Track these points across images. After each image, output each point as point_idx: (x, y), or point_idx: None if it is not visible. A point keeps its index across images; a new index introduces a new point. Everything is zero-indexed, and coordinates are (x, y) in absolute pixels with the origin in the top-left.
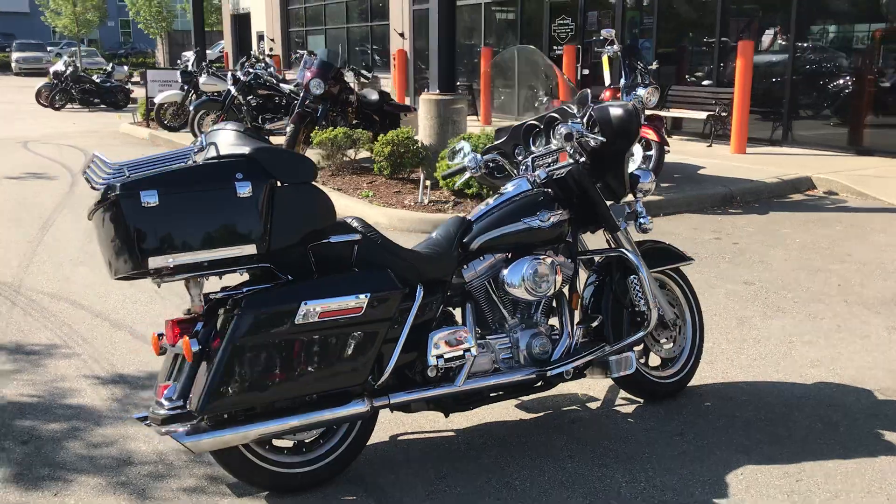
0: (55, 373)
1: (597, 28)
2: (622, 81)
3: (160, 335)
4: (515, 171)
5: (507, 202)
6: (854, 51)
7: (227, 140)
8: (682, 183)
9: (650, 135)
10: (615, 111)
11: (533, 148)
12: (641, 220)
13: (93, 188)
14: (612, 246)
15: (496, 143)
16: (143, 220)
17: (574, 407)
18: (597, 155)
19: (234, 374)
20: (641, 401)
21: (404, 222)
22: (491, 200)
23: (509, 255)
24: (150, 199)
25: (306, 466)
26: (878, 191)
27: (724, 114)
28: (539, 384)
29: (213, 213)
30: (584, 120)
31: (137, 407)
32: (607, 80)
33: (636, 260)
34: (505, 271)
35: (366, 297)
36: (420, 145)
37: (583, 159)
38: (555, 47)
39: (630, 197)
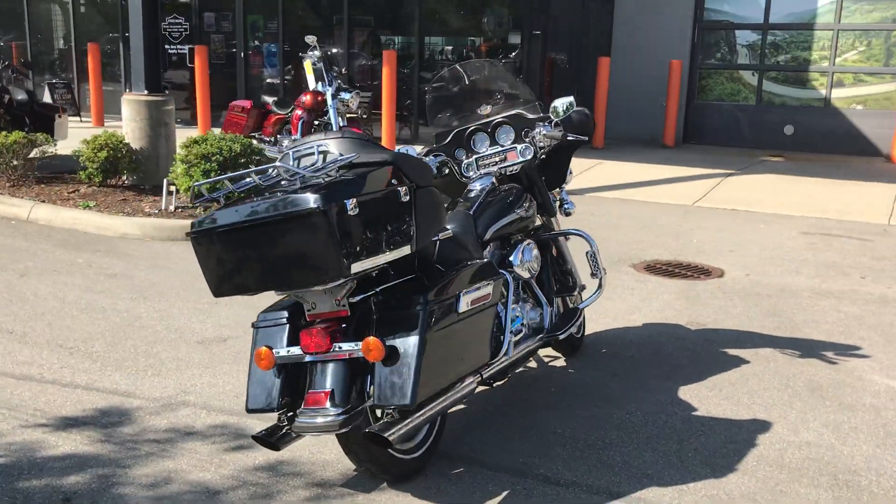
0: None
1: (215, 29)
2: (326, 86)
3: (287, 346)
4: (457, 171)
5: (495, 197)
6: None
7: (343, 146)
8: None
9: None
10: (579, 117)
11: (482, 149)
12: (566, 206)
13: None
14: (546, 227)
15: (437, 146)
16: (346, 229)
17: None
18: (552, 152)
19: (428, 364)
20: (561, 356)
21: (162, 230)
22: (473, 195)
23: (499, 243)
24: (351, 207)
25: (415, 453)
26: None
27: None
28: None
29: (387, 217)
30: (552, 124)
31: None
32: (311, 85)
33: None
34: (516, 254)
35: (491, 283)
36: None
37: (537, 157)
38: (167, 47)
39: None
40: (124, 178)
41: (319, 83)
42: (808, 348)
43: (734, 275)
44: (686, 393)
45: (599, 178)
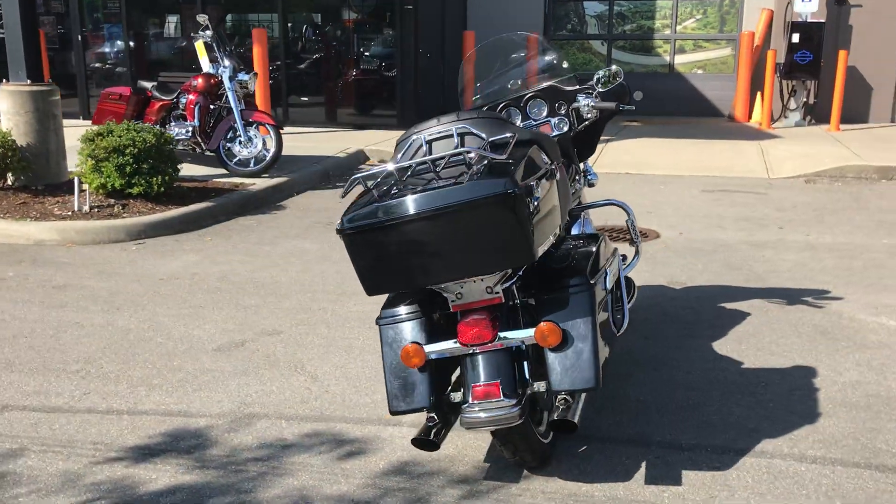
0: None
1: (44, 11)
2: (221, 68)
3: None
4: None
5: None
6: (335, 39)
7: (483, 126)
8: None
9: (267, 119)
10: (617, 87)
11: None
12: (590, 177)
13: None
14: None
15: None
16: (531, 210)
17: None
18: (590, 124)
19: (599, 343)
20: None
21: (86, 234)
22: None
23: None
24: (536, 190)
25: (546, 438)
26: None
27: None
28: None
29: (547, 197)
30: (594, 95)
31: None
32: (204, 67)
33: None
34: (578, 227)
35: (615, 258)
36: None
37: (573, 129)
38: None
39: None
40: (10, 179)
41: (213, 65)
42: (789, 296)
43: (669, 235)
44: (720, 348)
45: None
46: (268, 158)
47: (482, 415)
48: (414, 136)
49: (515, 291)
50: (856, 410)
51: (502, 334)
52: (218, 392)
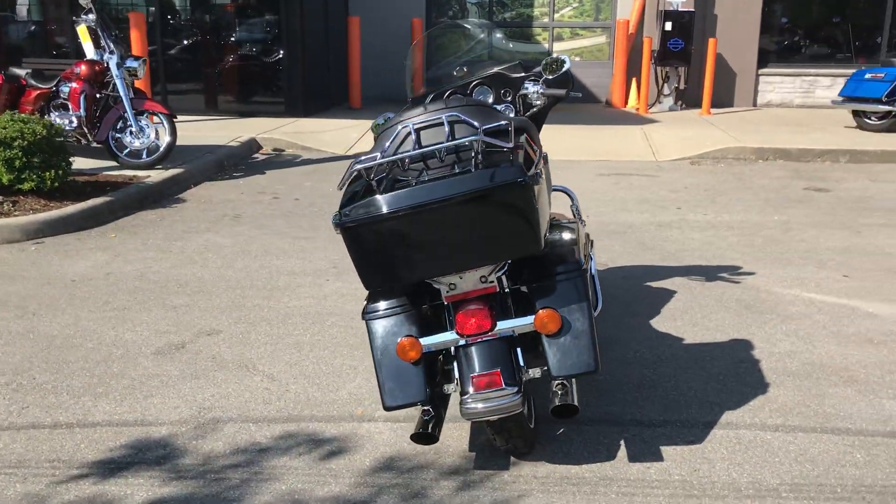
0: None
1: None
2: (107, 54)
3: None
4: None
5: None
6: (216, 24)
7: (473, 114)
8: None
9: (160, 108)
10: (564, 76)
11: None
12: None
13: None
14: None
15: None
16: (538, 198)
17: None
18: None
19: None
20: None
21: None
22: None
23: None
24: (539, 180)
25: (531, 423)
26: (317, 143)
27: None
28: None
29: (544, 185)
30: (542, 82)
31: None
32: (88, 53)
33: None
34: None
35: (590, 242)
36: None
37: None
38: None
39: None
40: None
41: (97, 51)
42: (706, 273)
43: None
44: (659, 326)
45: None
46: (162, 149)
47: (485, 405)
48: (399, 125)
49: (504, 280)
50: (798, 379)
51: (501, 323)
52: (171, 397)
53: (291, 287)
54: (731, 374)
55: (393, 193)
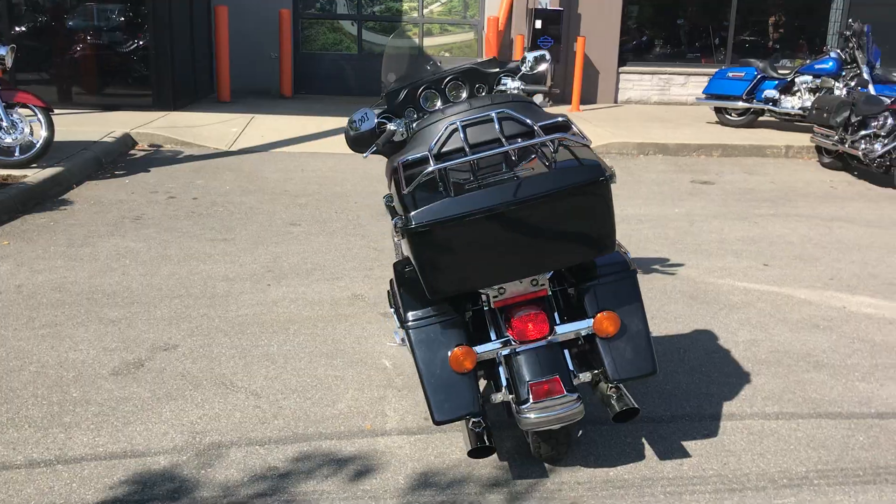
0: None
1: None
2: None
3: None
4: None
5: None
6: (72, 8)
7: (523, 110)
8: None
9: (35, 101)
10: (541, 70)
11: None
12: None
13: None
14: None
15: (385, 108)
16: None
17: None
18: None
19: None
20: None
21: None
22: None
23: None
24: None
25: None
26: (196, 139)
27: None
28: None
29: None
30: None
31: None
32: None
33: None
34: None
35: None
36: None
37: None
38: None
39: None
40: None
41: None
42: (641, 265)
43: None
44: None
45: (271, 133)
46: (38, 146)
47: (547, 414)
48: (441, 122)
49: (548, 283)
50: (771, 366)
51: (559, 328)
52: (153, 423)
53: (233, 294)
54: (710, 365)
55: (473, 194)
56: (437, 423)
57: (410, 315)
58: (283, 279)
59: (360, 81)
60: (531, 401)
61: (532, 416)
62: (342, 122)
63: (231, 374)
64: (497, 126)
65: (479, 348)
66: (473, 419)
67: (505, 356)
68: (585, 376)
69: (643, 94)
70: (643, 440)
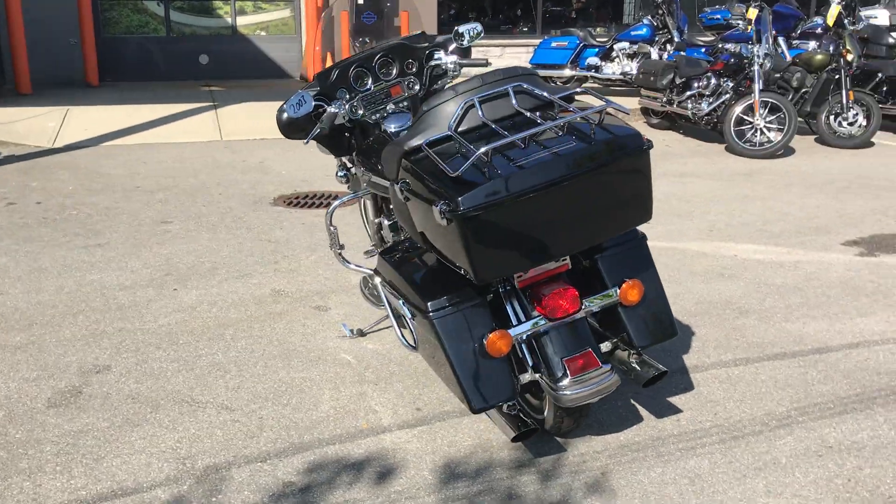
0: None
1: None
2: None
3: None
4: (346, 113)
5: None
6: None
7: (536, 83)
8: None
9: None
10: (468, 48)
11: (366, 87)
12: None
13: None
14: None
15: (319, 89)
16: None
17: None
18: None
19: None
20: None
21: None
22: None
23: None
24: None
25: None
26: (11, 136)
27: None
28: None
29: None
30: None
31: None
32: None
33: None
34: None
35: None
36: None
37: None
38: None
39: None
40: None
41: None
42: None
43: None
44: None
45: (95, 126)
46: None
47: (588, 388)
48: (454, 100)
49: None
50: (705, 317)
51: (586, 301)
52: (129, 454)
53: (140, 303)
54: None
55: (522, 172)
56: (475, 411)
57: (432, 304)
58: (187, 282)
59: (171, 66)
60: (569, 377)
61: (571, 392)
62: (172, 109)
63: (188, 390)
64: (514, 99)
65: (514, 330)
66: (508, 402)
67: (531, 335)
68: (606, 346)
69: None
70: (633, 402)
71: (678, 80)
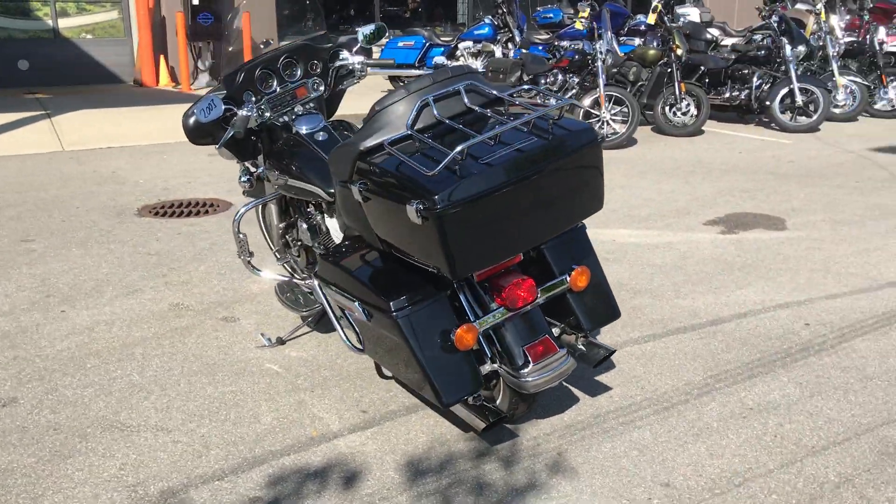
0: None
1: None
2: None
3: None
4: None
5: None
6: None
7: (481, 80)
8: None
9: None
10: (383, 43)
11: (271, 89)
12: None
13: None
14: None
15: (226, 91)
16: None
17: None
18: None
19: None
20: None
21: None
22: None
23: None
24: None
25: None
26: None
27: None
28: None
29: None
30: (358, 52)
31: None
32: None
33: None
34: None
35: None
36: None
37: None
38: None
39: None
40: None
41: None
42: None
43: (237, 199)
44: None
45: None
46: None
47: (549, 373)
48: (406, 100)
49: None
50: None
51: (540, 289)
52: (71, 488)
53: (29, 329)
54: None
55: (494, 168)
56: (447, 405)
57: (394, 304)
58: (74, 303)
59: None
60: (531, 364)
61: (533, 378)
62: (6, 118)
63: (112, 415)
64: (465, 97)
65: (478, 322)
66: (473, 396)
67: (490, 326)
68: (556, 331)
69: None
70: (566, 385)
71: (526, 77)
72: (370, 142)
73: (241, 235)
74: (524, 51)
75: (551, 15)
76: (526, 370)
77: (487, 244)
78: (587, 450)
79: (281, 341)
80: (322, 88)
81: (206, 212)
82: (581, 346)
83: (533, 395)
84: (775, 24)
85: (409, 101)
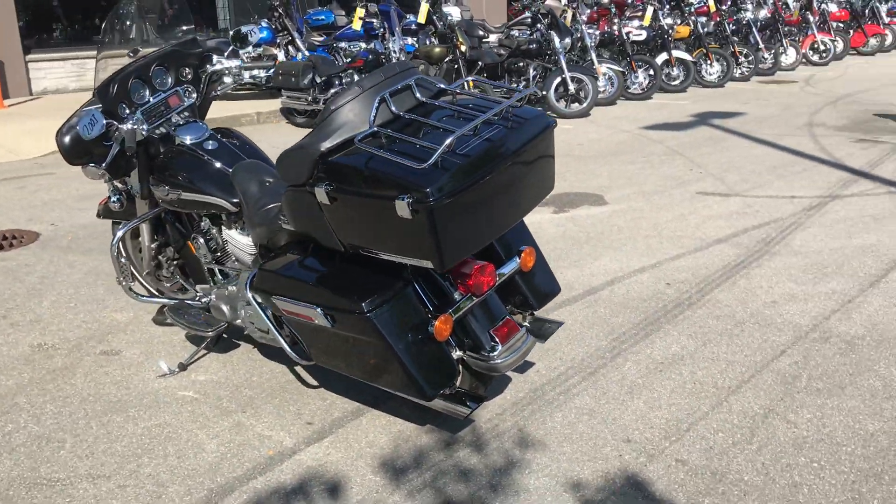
0: None
1: None
2: None
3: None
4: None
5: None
6: None
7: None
8: None
9: None
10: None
11: (144, 99)
12: None
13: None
14: None
15: (101, 104)
16: None
17: None
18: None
19: None
20: None
21: None
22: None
23: None
24: None
25: None
26: None
27: None
28: None
29: None
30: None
31: None
32: None
33: None
34: None
35: None
36: None
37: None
38: None
39: None
40: None
41: None
42: None
43: (41, 228)
44: None
45: None
46: None
47: (516, 353)
48: (362, 97)
49: None
50: None
51: (498, 273)
52: None
53: None
54: None
55: (475, 158)
56: (429, 398)
57: (367, 304)
58: None
59: None
60: (500, 346)
61: (503, 360)
62: None
63: (30, 472)
64: (417, 91)
65: (451, 311)
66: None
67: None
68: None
69: (60, 83)
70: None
71: (318, 80)
72: (331, 142)
73: (122, 260)
74: (314, 53)
75: (323, 17)
76: (495, 353)
77: (470, 233)
78: (543, 422)
79: (183, 367)
80: (195, 96)
81: (12, 245)
82: (528, 324)
83: (491, 376)
84: (542, 18)
85: (365, 98)
